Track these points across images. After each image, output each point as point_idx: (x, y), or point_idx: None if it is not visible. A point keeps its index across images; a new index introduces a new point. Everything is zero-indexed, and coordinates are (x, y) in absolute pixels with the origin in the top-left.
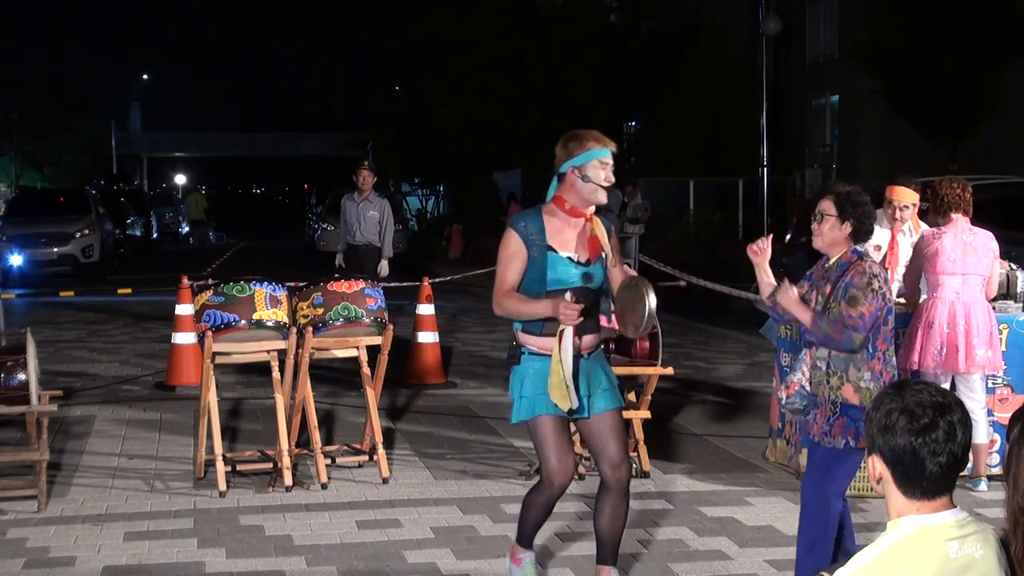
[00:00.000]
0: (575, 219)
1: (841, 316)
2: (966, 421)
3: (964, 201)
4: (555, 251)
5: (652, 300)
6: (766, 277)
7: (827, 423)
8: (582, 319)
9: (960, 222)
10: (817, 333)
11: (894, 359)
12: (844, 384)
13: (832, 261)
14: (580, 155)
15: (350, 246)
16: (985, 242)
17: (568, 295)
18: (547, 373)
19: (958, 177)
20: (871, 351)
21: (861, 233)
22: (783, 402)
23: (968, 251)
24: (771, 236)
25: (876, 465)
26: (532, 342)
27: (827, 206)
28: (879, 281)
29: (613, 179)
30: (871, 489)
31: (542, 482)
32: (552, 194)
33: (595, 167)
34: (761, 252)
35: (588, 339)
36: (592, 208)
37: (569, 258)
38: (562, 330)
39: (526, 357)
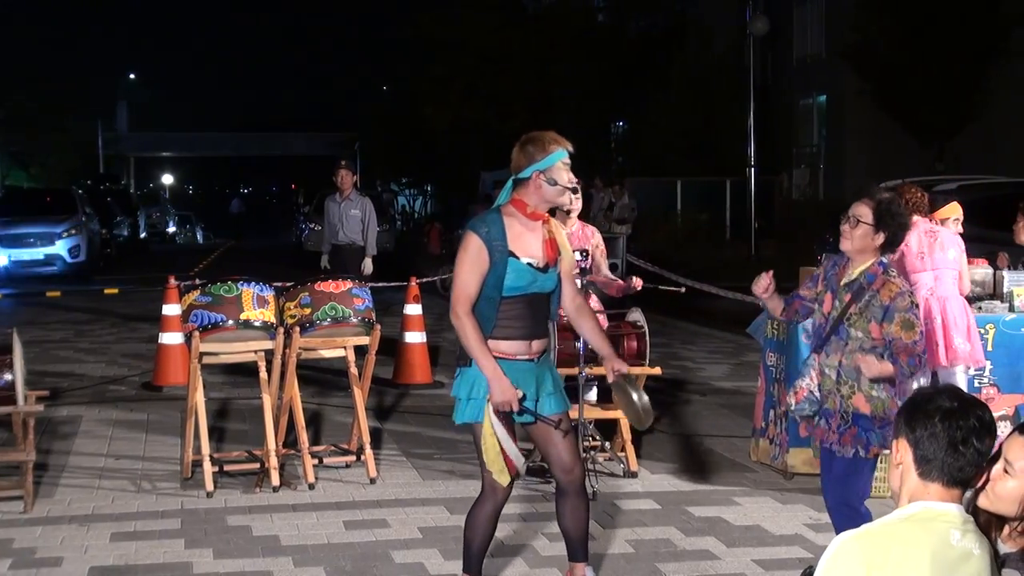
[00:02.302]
0: (534, 222)
1: (903, 344)
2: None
3: (924, 205)
4: (516, 257)
5: (640, 399)
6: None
7: (837, 432)
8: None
9: (921, 223)
10: (905, 381)
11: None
12: (855, 393)
13: (858, 271)
14: (544, 159)
15: (334, 246)
16: (948, 236)
17: (520, 394)
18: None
19: (935, 178)
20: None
21: (893, 245)
22: (792, 408)
23: (934, 247)
24: (771, 272)
25: (899, 447)
26: None
27: (864, 212)
28: (915, 296)
29: (575, 180)
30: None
31: (484, 493)
32: (507, 197)
33: (559, 169)
34: (767, 290)
35: (537, 344)
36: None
37: (529, 264)
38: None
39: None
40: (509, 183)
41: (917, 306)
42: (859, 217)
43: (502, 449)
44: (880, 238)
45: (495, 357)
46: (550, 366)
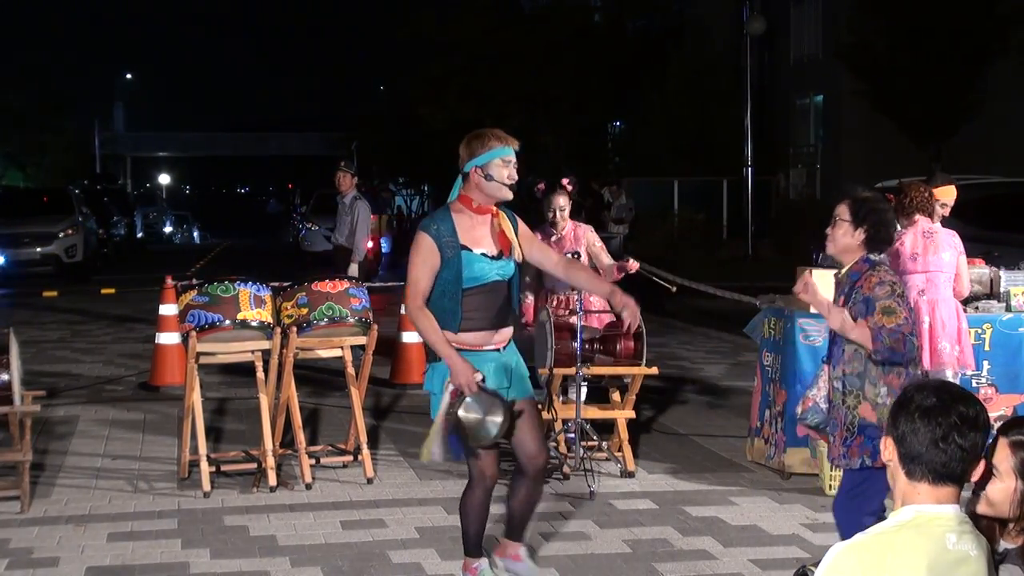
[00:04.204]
0: (482, 216)
1: (889, 328)
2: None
3: (929, 204)
4: (469, 249)
5: (492, 419)
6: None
7: (844, 445)
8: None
9: (922, 222)
10: (881, 349)
11: (920, 373)
12: (861, 403)
13: (844, 272)
14: (482, 155)
15: (334, 246)
16: (946, 238)
17: (479, 376)
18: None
19: (924, 181)
20: (887, 365)
21: (876, 242)
22: (798, 415)
23: (928, 248)
24: (809, 271)
25: (887, 445)
26: (451, 339)
27: (842, 211)
28: (900, 286)
29: (516, 177)
30: None
31: (473, 480)
32: (457, 193)
33: (497, 165)
34: (808, 288)
35: (502, 332)
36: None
37: (483, 254)
38: (453, 390)
39: None
40: (459, 180)
41: (901, 295)
42: (838, 216)
43: (442, 432)
44: (860, 235)
45: (463, 350)
46: (516, 354)
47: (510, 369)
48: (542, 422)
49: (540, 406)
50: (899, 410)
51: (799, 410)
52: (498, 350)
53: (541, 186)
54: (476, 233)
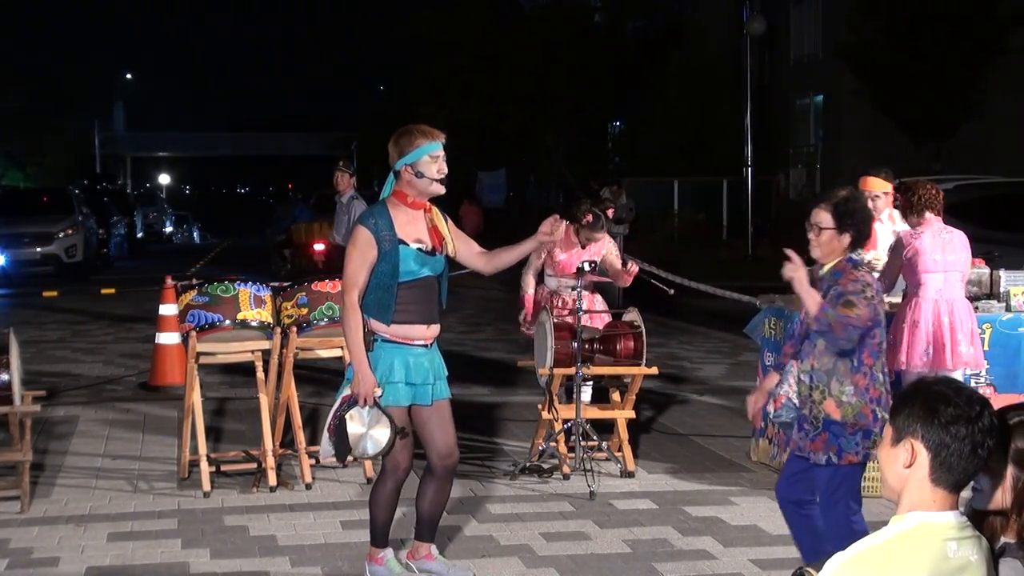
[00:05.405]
0: (416, 211)
1: (839, 317)
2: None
3: (938, 202)
4: (405, 244)
5: (375, 428)
6: (809, 295)
7: (808, 439)
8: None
9: (935, 221)
10: (821, 321)
11: (883, 376)
12: (826, 398)
13: (826, 269)
14: (410, 153)
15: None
16: (961, 239)
17: (379, 391)
18: (393, 363)
19: (930, 179)
20: (855, 364)
21: (860, 240)
22: (771, 415)
23: (947, 248)
24: (793, 252)
25: (913, 448)
26: (383, 330)
27: (824, 218)
28: (872, 291)
29: (446, 170)
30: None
31: (386, 472)
32: (390, 189)
33: (426, 163)
34: (797, 268)
35: (433, 328)
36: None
37: (420, 249)
38: (346, 395)
39: (379, 344)
40: (391, 177)
41: (870, 298)
42: (820, 224)
43: (326, 432)
44: (846, 239)
45: (392, 341)
46: (439, 352)
47: (435, 366)
48: (453, 424)
49: (540, 406)
50: (938, 415)
51: (771, 409)
52: (427, 346)
53: (589, 217)
54: (412, 228)
